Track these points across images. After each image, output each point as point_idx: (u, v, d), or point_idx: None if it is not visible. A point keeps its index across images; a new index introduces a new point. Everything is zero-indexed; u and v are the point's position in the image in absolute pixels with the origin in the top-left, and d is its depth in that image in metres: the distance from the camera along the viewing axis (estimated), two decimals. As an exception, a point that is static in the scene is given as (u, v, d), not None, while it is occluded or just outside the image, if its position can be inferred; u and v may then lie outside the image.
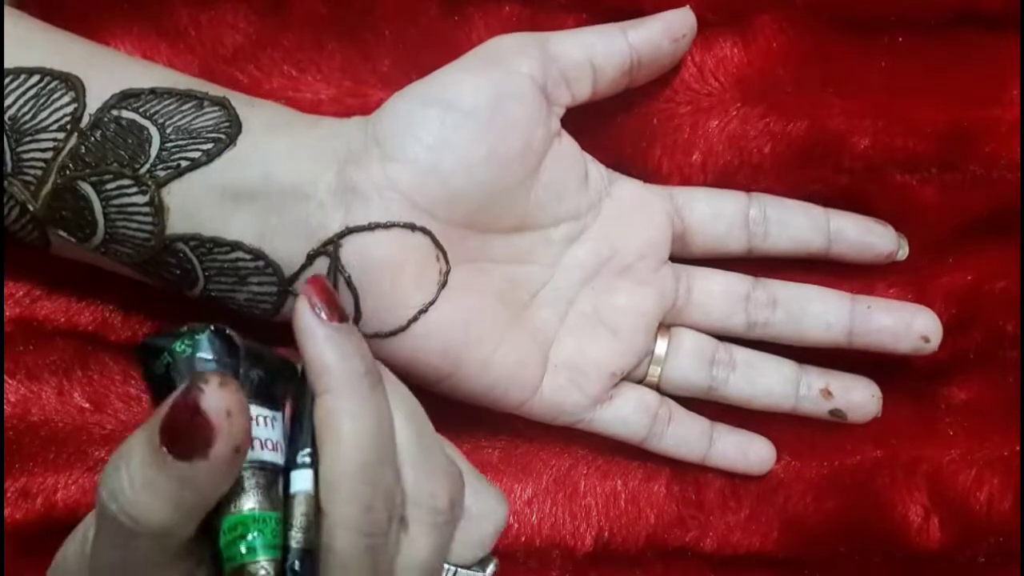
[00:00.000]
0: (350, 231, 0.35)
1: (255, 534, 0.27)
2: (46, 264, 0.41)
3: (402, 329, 0.36)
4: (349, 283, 0.35)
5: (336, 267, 0.35)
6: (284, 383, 0.30)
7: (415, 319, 0.36)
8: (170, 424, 0.25)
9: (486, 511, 0.33)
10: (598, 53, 0.38)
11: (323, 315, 0.29)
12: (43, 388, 0.41)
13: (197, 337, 0.29)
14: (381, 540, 0.29)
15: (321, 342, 0.29)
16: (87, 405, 0.41)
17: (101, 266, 0.37)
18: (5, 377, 0.41)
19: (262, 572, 0.27)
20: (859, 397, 0.41)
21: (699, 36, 0.41)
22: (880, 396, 0.42)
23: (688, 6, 0.40)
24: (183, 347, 0.29)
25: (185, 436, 0.25)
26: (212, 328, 0.29)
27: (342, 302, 0.30)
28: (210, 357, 0.29)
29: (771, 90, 0.42)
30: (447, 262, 0.36)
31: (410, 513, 0.30)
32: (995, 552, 0.42)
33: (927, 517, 0.42)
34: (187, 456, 0.25)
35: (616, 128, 0.42)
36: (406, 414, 0.31)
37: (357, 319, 0.35)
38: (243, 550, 0.27)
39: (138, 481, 0.26)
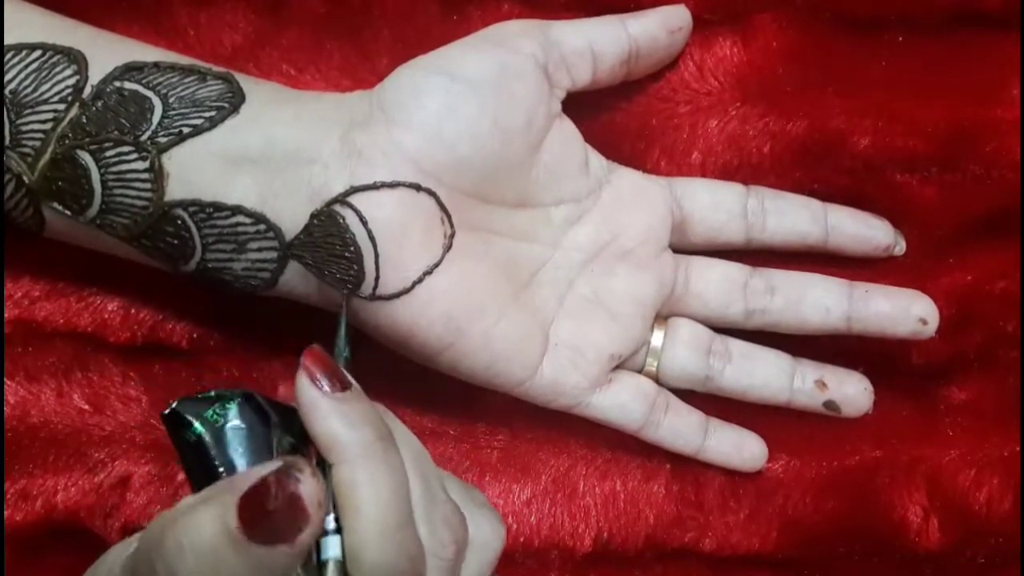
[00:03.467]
0: (355, 190, 0.35)
1: None
2: (45, 265, 0.41)
3: (406, 291, 0.36)
4: (353, 243, 0.35)
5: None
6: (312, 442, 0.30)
7: (419, 281, 0.36)
8: (256, 509, 0.25)
9: (485, 540, 0.33)
10: (598, 40, 0.38)
11: (325, 387, 0.29)
12: (42, 390, 0.41)
13: (228, 405, 0.29)
14: None
15: (327, 415, 0.29)
16: (86, 407, 0.41)
17: (96, 248, 0.37)
18: (4, 379, 0.41)
19: None
20: (852, 390, 0.42)
21: (699, 35, 0.41)
22: (871, 390, 0.42)
23: (683, 3, 0.40)
24: (215, 416, 0.29)
25: (274, 522, 0.25)
26: (242, 395, 0.29)
27: (343, 372, 0.30)
28: (242, 425, 0.29)
29: (771, 90, 0.42)
30: (451, 225, 0.36)
31: (427, 564, 0.30)
32: (995, 553, 0.42)
33: (926, 517, 0.42)
34: (271, 542, 0.25)
35: (615, 128, 0.42)
36: (412, 459, 0.31)
37: (360, 280, 0.35)
38: None
39: (207, 562, 0.25)
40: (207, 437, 0.29)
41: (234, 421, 0.29)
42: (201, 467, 0.29)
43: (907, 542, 0.42)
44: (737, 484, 0.43)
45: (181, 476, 0.41)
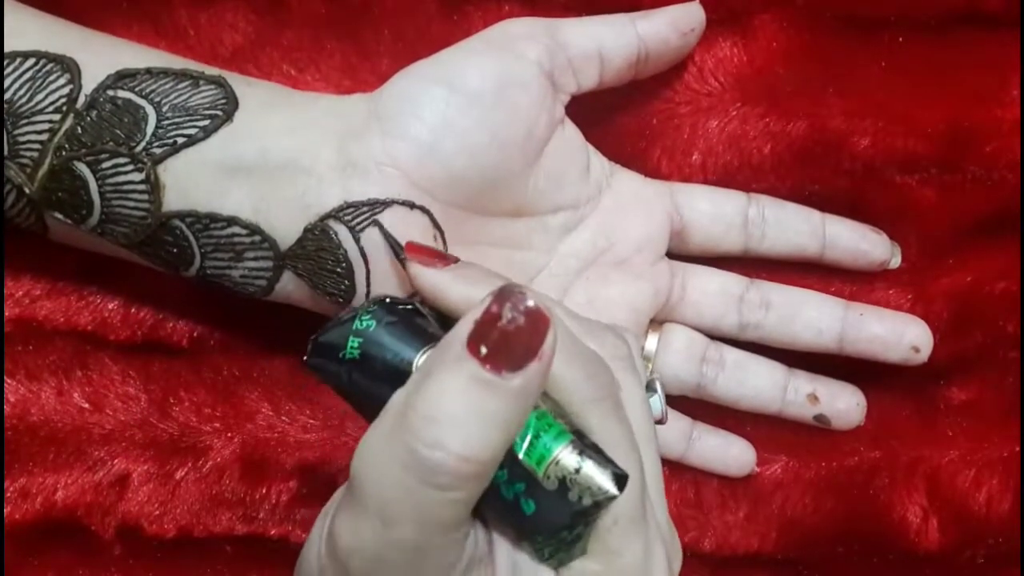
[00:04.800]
0: (348, 206, 0.34)
1: (545, 429, 0.27)
2: (46, 264, 0.41)
3: None
4: (345, 259, 0.35)
5: (386, 235, 0.35)
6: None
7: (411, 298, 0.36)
8: (497, 340, 0.25)
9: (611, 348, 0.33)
10: (607, 43, 0.37)
11: (439, 265, 0.31)
12: (42, 388, 0.41)
13: (369, 311, 0.29)
14: (618, 396, 0.29)
15: (453, 284, 0.31)
16: (86, 405, 0.41)
17: (100, 251, 0.37)
18: (5, 377, 0.41)
19: (573, 460, 0.27)
20: (843, 405, 0.42)
21: (698, 35, 0.41)
22: (864, 405, 0.42)
23: (697, 1, 0.39)
24: (366, 322, 0.29)
25: (518, 342, 0.25)
26: (373, 301, 0.30)
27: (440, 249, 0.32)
28: (393, 318, 0.29)
29: (771, 90, 0.42)
30: (444, 242, 0.36)
31: (612, 367, 0.30)
32: (994, 553, 0.42)
33: (926, 518, 0.42)
34: (520, 364, 0.25)
35: (616, 128, 0.42)
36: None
37: (352, 294, 0.35)
38: (547, 446, 0.27)
39: (466, 418, 0.25)
40: (368, 345, 0.29)
41: (384, 319, 0.29)
42: (377, 374, 0.28)
43: (906, 542, 0.42)
44: (736, 484, 0.43)
45: (180, 474, 0.41)
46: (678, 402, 0.42)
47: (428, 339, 0.29)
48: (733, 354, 0.41)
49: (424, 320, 0.30)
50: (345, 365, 0.29)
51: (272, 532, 0.42)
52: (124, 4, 0.41)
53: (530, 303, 0.25)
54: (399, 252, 0.34)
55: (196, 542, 0.41)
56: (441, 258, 0.32)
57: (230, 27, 0.41)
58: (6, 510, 0.40)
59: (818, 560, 0.42)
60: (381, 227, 0.35)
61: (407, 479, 0.25)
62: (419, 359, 0.29)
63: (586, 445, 0.28)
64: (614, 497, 0.27)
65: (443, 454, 0.25)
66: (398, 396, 0.26)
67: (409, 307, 0.30)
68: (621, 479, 0.27)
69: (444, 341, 0.26)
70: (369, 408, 0.28)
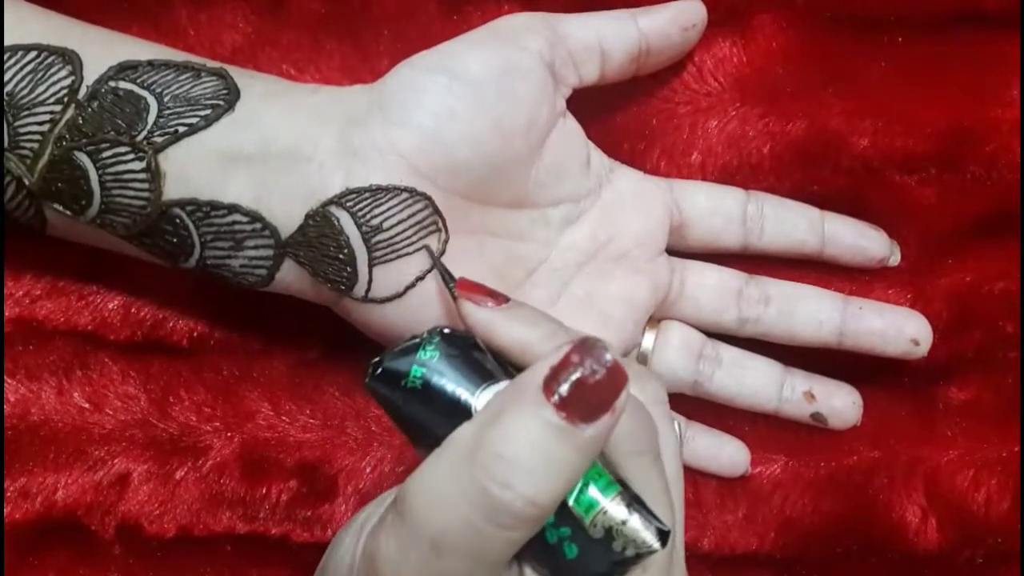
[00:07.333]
0: (350, 192, 0.34)
1: (595, 479, 0.28)
2: (46, 264, 0.41)
3: (398, 295, 0.36)
4: (347, 245, 0.35)
5: (439, 265, 0.35)
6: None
7: (412, 286, 0.36)
8: (579, 388, 0.25)
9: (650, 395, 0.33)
10: (607, 36, 0.38)
11: (490, 304, 0.31)
12: (43, 388, 0.41)
13: (432, 341, 0.30)
14: (658, 449, 0.30)
15: (507, 325, 0.31)
16: (86, 405, 0.41)
17: (99, 245, 0.37)
18: (5, 377, 0.41)
19: (621, 512, 0.28)
20: (840, 403, 0.42)
21: (698, 35, 0.41)
22: (861, 404, 0.42)
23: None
24: (430, 353, 0.30)
25: (593, 395, 0.25)
26: (438, 331, 0.30)
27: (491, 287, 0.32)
28: (455, 352, 0.30)
29: (771, 90, 0.42)
30: (446, 230, 0.36)
31: (653, 413, 0.31)
32: (993, 553, 0.42)
33: (925, 518, 0.42)
34: (596, 415, 0.26)
35: (615, 128, 0.42)
36: None
37: (354, 282, 0.35)
38: (596, 495, 0.28)
39: (536, 463, 0.25)
40: (430, 376, 0.29)
41: (447, 352, 0.30)
42: (436, 406, 0.29)
43: (905, 542, 0.42)
44: (735, 483, 0.43)
45: (180, 474, 0.41)
46: (675, 400, 0.42)
47: (487, 375, 0.30)
48: (730, 352, 0.41)
49: (482, 355, 0.30)
50: (405, 393, 0.30)
51: (273, 531, 0.42)
52: (124, 4, 0.41)
53: (610, 358, 0.26)
54: (451, 286, 0.34)
55: (196, 541, 0.41)
56: (493, 296, 0.32)
57: (229, 27, 0.41)
58: (6, 510, 0.40)
59: (817, 560, 0.42)
60: (433, 255, 0.35)
61: (470, 514, 0.26)
62: (479, 395, 0.29)
63: (632, 497, 0.28)
64: (656, 551, 0.28)
65: (512, 495, 0.25)
66: (465, 430, 0.27)
67: (470, 341, 0.31)
68: (664, 534, 0.28)
69: (518, 381, 0.26)
70: (422, 437, 0.29)
